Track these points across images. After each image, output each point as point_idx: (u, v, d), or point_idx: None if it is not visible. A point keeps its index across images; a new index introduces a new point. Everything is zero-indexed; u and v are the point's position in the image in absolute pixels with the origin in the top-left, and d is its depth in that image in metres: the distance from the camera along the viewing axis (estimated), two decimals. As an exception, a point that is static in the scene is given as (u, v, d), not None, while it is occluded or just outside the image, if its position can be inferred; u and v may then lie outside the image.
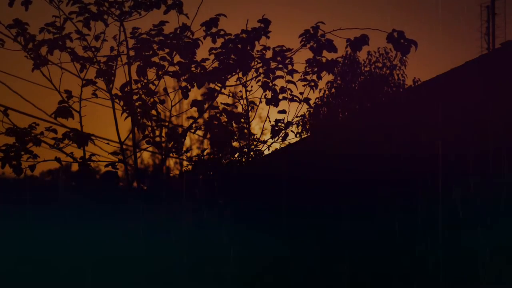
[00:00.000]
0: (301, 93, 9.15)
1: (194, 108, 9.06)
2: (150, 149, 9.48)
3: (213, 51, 9.02)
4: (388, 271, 9.03)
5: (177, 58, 9.07)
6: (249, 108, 9.25)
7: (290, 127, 9.18)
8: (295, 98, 9.10)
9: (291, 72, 9.05)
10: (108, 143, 9.39)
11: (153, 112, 9.05)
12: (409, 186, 9.70)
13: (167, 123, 9.14)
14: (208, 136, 9.07)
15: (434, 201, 9.47)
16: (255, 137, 9.26)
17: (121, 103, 9.09)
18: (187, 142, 12.61)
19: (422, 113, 10.89)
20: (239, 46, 8.96)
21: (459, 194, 9.49)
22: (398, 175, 9.62)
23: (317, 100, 9.49)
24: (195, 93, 9.26)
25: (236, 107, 9.31)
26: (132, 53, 9.12)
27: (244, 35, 9.01)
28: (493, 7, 23.40)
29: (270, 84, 9.05)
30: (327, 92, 12.93)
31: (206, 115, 9.24)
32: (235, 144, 9.14)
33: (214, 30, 9.04)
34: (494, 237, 9.21)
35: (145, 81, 9.08)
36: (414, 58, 8.98)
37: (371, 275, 9.09)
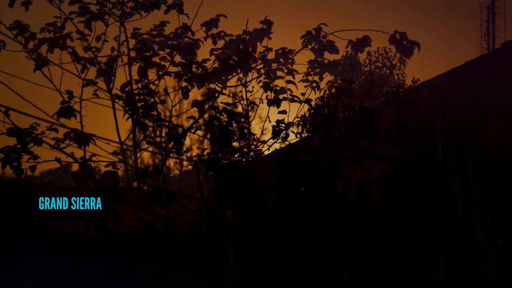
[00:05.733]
0: (303, 94, 9.20)
1: (195, 108, 9.08)
2: (150, 149, 9.51)
3: (214, 52, 9.06)
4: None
5: (177, 58, 9.11)
6: (249, 108, 9.27)
7: (291, 128, 9.21)
8: (295, 98, 9.14)
9: (291, 72, 9.09)
10: (108, 143, 9.42)
11: (154, 112, 9.08)
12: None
13: (167, 123, 9.16)
14: (208, 136, 9.09)
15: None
16: (255, 137, 9.28)
17: (122, 103, 9.13)
18: (187, 142, 12.63)
19: (421, 113, 10.89)
20: (241, 47, 9.00)
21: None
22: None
23: (317, 100, 9.49)
24: (195, 93, 9.28)
25: (237, 107, 9.34)
26: (133, 53, 9.16)
27: (245, 36, 9.05)
28: (493, 7, 23.43)
29: (272, 85, 9.08)
30: (327, 92, 12.95)
31: (206, 115, 9.26)
32: (235, 144, 9.15)
33: (214, 31, 9.09)
34: None
35: (146, 81, 9.11)
36: (414, 58, 9.00)
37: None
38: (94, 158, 9.10)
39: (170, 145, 9.07)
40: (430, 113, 9.89)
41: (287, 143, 9.25)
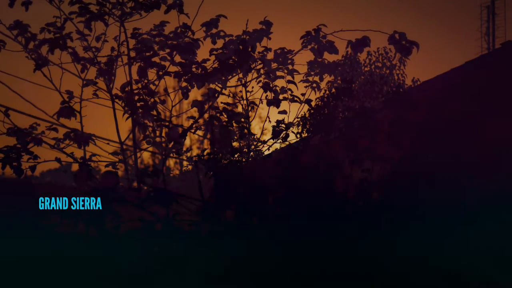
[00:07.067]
0: (303, 94, 9.21)
1: (195, 108, 9.09)
2: (150, 149, 9.51)
3: (214, 52, 9.06)
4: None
5: (177, 58, 9.11)
6: (249, 108, 9.28)
7: (291, 128, 9.21)
8: (295, 98, 9.15)
9: (292, 72, 9.11)
10: (108, 143, 9.41)
11: (154, 112, 9.08)
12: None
13: (167, 123, 9.16)
14: (208, 136, 9.09)
15: None
16: (255, 137, 9.28)
17: (121, 103, 9.13)
18: (187, 142, 12.63)
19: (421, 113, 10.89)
20: (241, 47, 9.01)
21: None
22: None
23: (317, 100, 9.50)
24: (195, 93, 9.30)
25: (237, 107, 9.35)
26: (132, 53, 9.16)
27: (245, 36, 9.06)
28: (493, 7, 23.45)
29: (271, 85, 9.09)
30: (327, 92, 12.97)
31: (206, 115, 9.27)
32: (235, 144, 9.15)
33: (214, 31, 9.11)
34: None
35: (146, 81, 9.12)
36: (414, 58, 9.04)
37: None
38: (94, 158, 9.09)
39: (170, 145, 9.07)
40: (430, 113, 9.90)
41: (287, 143, 9.25)
